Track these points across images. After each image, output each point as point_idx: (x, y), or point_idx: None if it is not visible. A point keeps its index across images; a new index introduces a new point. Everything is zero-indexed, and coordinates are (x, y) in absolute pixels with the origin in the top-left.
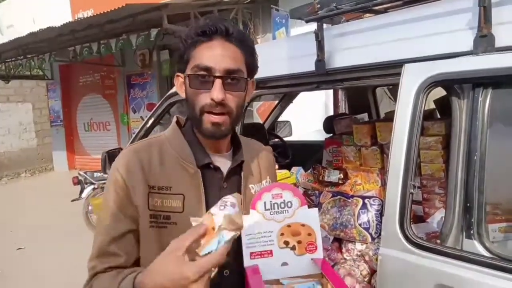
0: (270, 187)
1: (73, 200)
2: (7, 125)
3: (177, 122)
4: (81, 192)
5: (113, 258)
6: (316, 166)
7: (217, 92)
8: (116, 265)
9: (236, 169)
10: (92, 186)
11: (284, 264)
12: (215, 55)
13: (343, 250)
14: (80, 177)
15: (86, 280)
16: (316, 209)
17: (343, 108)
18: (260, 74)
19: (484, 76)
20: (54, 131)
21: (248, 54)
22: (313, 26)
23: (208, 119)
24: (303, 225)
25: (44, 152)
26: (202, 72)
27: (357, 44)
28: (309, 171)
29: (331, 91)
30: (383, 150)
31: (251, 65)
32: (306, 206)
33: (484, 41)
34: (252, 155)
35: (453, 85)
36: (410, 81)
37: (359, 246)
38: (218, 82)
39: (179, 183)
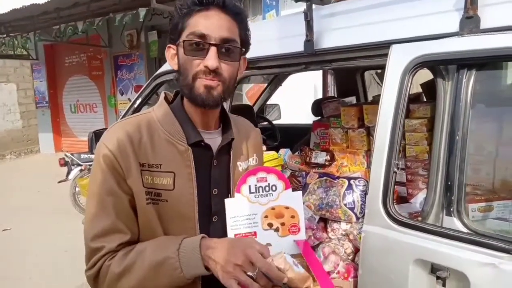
0: (255, 171)
1: (60, 182)
2: None
3: (165, 98)
4: (68, 173)
5: (120, 234)
6: (304, 148)
7: (212, 60)
8: (125, 241)
9: (225, 147)
10: (79, 168)
11: (268, 245)
12: (211, 23)
13: (329, 229)
14: (67, 159)
15: (94, 260)
16: (300, 192)
17: (332, 91)
18: (249, 54)
19: (468, 58)
20: (40, 113)
21: (242, 27)
22: (303, 8)
23: (201, 83)
24: (287, 207)
25: (30, 134)
26: (197, 39)
27: (346, 25)
28: (296, 153)
29: (320, 75)
30: (370, 133)
31: (245, 39)
32: (290, 189)
33: (470, 22)
34: (240, 132)
35: (438, 66)
36: (397, 62)
37: (344, 226)
38: (213, 49)
39: (169, 161)
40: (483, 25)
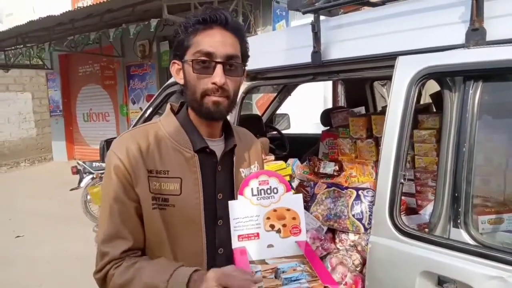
0: (257, 174)
1: (72, 189)
2: (7, 115)
3: (171, 109)
4: (80, 181)
5: (124, 241)
6: (312, 158)
7: (219, 77)
8: (127, 248)
9: (229, 154)
10: (91, 176)
11: (270, 246)
12: (216, 41)
13: (337, 240)
14: (79, 167)
15: (100, 265)
16: (301, 194)
17: (342, 101)
18: (257, 65)
19: (474, 69)
20: (54, 121)
21: (242, 42)
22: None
23: (209, 100)
24: (288, 209)
25: (44, 142)
26: (204, 58)
27: (353, 36)
28: (305, 163)
29: (330, 85)
30: (378, 143)
31: (245, 54)
32: (291, 192)
33: (476, 34)
34: (242, 141)
35: (445, 78)
36: (403, 73)
37: (352, 237)
38: (219, 67)
39: (177, 167)
40: (489, 37)
